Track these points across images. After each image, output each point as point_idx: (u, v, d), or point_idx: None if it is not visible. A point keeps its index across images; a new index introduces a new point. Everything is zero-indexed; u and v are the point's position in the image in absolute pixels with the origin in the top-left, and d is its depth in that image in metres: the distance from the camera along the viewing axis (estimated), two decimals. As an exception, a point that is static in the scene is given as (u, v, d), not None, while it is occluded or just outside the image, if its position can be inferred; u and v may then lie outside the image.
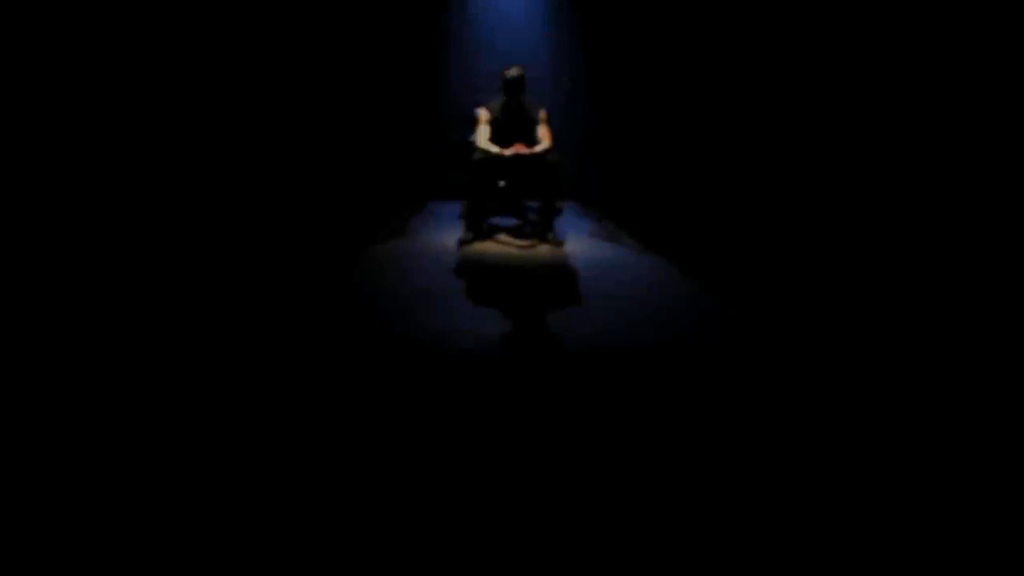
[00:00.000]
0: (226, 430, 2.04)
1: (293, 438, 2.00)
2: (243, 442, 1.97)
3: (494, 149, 4.80)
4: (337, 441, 1.99)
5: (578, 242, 5.10)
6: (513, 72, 4.85)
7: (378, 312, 3.24)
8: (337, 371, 2.50)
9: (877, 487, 1.80)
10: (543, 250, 4.77)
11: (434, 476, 1.84)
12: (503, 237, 5.16)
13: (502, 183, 5.04)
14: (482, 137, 4.93)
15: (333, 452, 1.93)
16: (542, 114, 5.04)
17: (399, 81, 6.25)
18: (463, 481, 1.82)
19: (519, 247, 4.83)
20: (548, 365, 2.62)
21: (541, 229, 5.03)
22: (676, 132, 4.47)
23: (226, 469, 1.83)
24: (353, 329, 2.96)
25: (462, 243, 4.85)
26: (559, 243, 4.87)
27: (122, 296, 2.27)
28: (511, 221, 5.71)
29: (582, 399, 2.31)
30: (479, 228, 5.03)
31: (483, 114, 5.02)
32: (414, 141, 6.98)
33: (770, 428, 2.10)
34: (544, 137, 4.96)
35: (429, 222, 5.96)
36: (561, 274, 4.09)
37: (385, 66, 5.75)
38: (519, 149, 4.73)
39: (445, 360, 2.62)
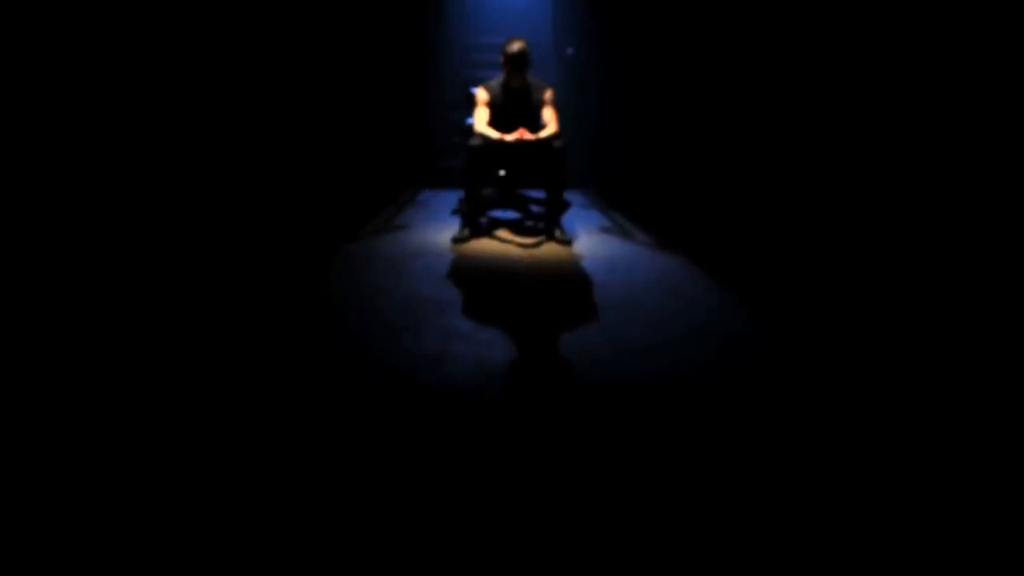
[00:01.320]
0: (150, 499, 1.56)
1: (235, 509, 1.52)
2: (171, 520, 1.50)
3: (493, 134, 4.30)
4: (295, 514, 1.51)
5: (588, 239, 4.62)
6: (515, 47, 4.34)
7: (354, 331, 2.75)
8: (296, 416, 2.02)
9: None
10: (550, 250, 4.29)
11: (421, 562, 1.36)
12: (504, 233, 4.67)
13: (502, 172, 4.55)
14: (480, 120, 4.44)
15: (289, 529, 1.45)
16: (548, 94, 4.54)
17: (386, 56, 5.74)
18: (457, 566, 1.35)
19: (522, 246, 4.34)
20: (563, 402, 2.14)
21: (547, 225, 4.54)
22: (693, 114, 3.98)
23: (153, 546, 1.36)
24: (321, 356, 2.48)
25: (456, 241, 4.36)
26: (567, 241, 4.39)
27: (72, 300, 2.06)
28: (512, 214, 5.22)
29: (605, 454, 1.83)
30: (476, 223, 4.54)
31: (481, 95, 4.52)
32: (403, 124, 6.47)
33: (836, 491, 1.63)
34: (550, 121, 4.46)
35: (420, 215, 5.47)
36: (572, 280, 3.61)
37: (370, 38, 5.24)
38: (522, 134, 4.24)
39: (434, 399, 2.15)
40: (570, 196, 4.56)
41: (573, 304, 3.15)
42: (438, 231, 4.74)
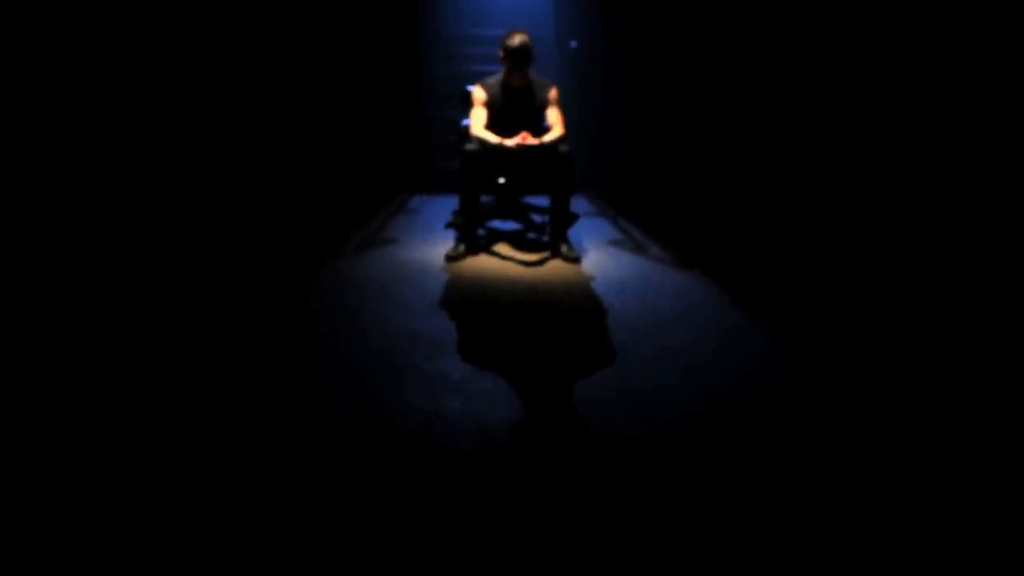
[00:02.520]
0: None
1: None
2: None
3: (492, 138, 3.91)
4: None
5: (597, 255, 4.23)
6: (516, 40, 3.95)
7: (328, 381, 2.37)
8: (253, 499, 1.63)
9: None
10: (555, 268, 3.90)
11: None
12: (503, 248, 4.29)
13: (502, 180, 4.16)
14: (477, 122, 4.05)
15: None
16: (552, 93, 4.16)
17: (373, 48, 5.34)
18: None
19: (524, 263, 3.95)
20: (573, 476, 1.76)
21: (552, 239, 4.15)
22: (711, 110, 3.60)
23: None
24: (287, 415, 2.09)
25: (451, 259, 3.98)
26: (575, 258, 4.00)
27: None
28: (513, 225, 4.83)
29: (626, 541, 1.45)
30: (473, 238, 4.15)
31: (478, 93, 4.13)
32: (393, 122, 6.07)
33: None
34: (555, 122, 4.08)
35: (411, 225, 5.08)
36: (582, 307, 3.23)
37: (355, 28, 4.84)
38: (524, 138, 3.85)
39: (425, 476, 1.76)
40: (573, 201, 4.16)
41: (584, 340, 2.77)
42: (431, 246, 4.35)
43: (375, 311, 3.04)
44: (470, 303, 3.23)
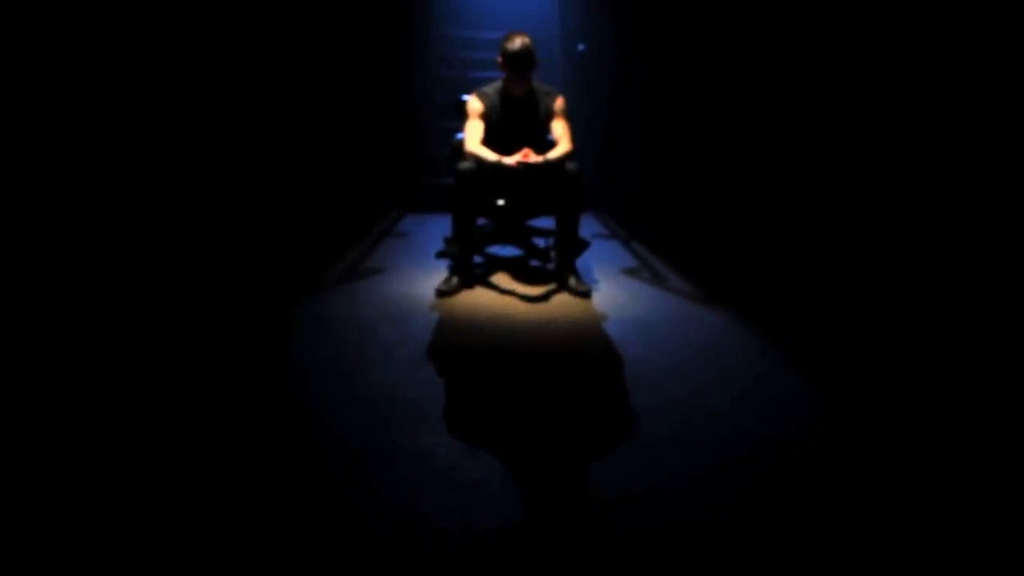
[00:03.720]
0: None
1: None
2: None
3: (489, 156, 3.52)
4: None
5: (610, 287, 3.84)
6: (517, 43, 3.57)
7: (291, 463, 1.97)
8: None
9: None
10: (563, 304, 3.51)
11: None
12: (502, 280, 3.90)
13: (501, 202, 3.77)
14: (472, 137, 3.66)
15: None
16: (558, 103, 3.77)
17: (360, 51, 4.97)
18: None
19: (526, 298, 3.56)
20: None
21: (559, 269, 3.76)
22: (735, 122, 3.21)
23: None
24: (223, 526, 1.70)
25: (442, 294, 3.58)
26: (585, 292, 3.61)
27: None
28: (513, 250, 4.44)
29: None
30: (467, 269, 3.75)
31: (474, 104, 3.74)
32: (381, 133, 5.69)
33: None
34: (562, 136, 3.69)
35: (400, 252, 4.69)
36: (595, 356, 2.84)
37: (341, 30, 4.47)
38: (526, 155, 3.46)
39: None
40: (580, 222, 3.76)
41: (597, 402, 2.37)
42: (422, 276, 3.96)
43: (351, 366, 2.64)
44: (462, 351, 2.84)
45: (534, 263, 4.27)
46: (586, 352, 2.86)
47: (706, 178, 3.84)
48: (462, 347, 2.88)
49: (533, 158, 3.45)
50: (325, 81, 4.30)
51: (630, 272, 4.17)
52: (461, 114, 3.91)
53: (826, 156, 2.67)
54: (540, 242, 4.36)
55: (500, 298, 3.58)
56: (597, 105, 6.39)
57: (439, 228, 5.12)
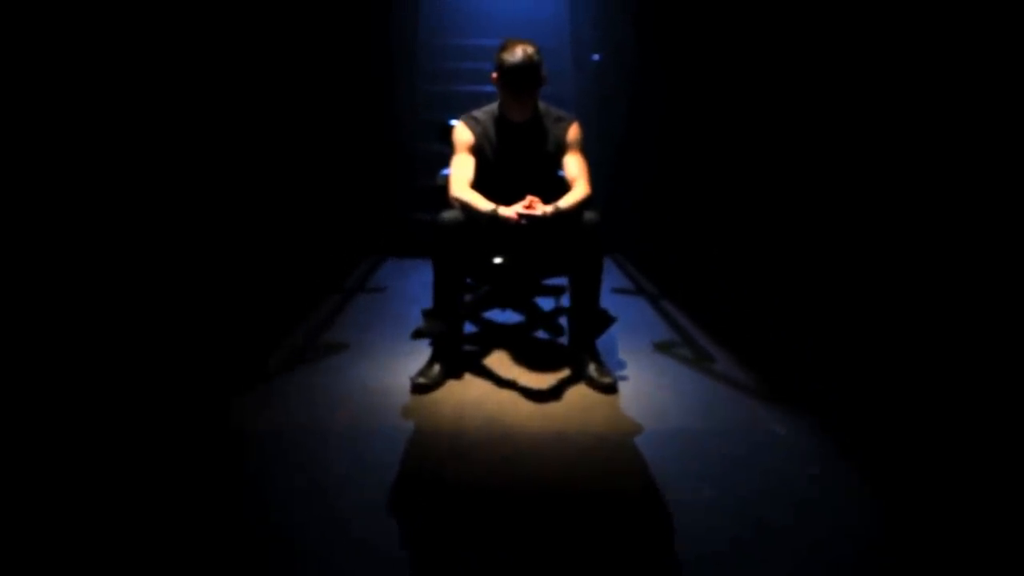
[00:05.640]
0: None
1: None
2: None
3: (481, 204, 2.79)
4: None
5: (641, 372, 3.09)
6: (518, 55, 2.82)
7: None
8: None
9: None
10: (580, 404, 2.77)
11: None
12: (498, 363, 3.16)
13: (499, 260, 3.02)
14: (459, 177, 2.93)
15: None
16: (572, 132, 3.04)
17: (329, 67, 4.26)
18: None
19: (530, 395, 2.82)
20: None
21: (574, 350, 3.01)
22: (794, 148, 2.47)
23: None
24: None
25: (419, 388, 2.83)
26: (609, 384, 2.85)
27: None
28: (512, 314, 3.68)
29: None
30: (453, 352, 3.00)
31: (461, 134, 3.01)
32: (357, 160, 4.96)
33: None
34: (577, 176, 2.97)
35: (372, 314, 3.96)
36: (628, 495, 2.11)
37: (307, 36, 3.76)
38: (532, 205, 2.71)
39: None
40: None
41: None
42: (396, 356, 3.22)
43: (280, 528, 1.88)
44: (438, 492, 2.11)
45: (540, 335, 3.52)
46: (615, 491, 2.12)
47: (759, 221, 3.10)
48: (439, 484, 2.14)
49: (539, 208, 2.71)
50: (294, 105, 3.59)
51: (664, 348, 3.42)
52: (446, 143, 3.16)
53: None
54: (547, 303, 3.61)
55: (496, 392, 2.84)
56: (613, 124, 5.68)
57: (425, 278, 4.34)
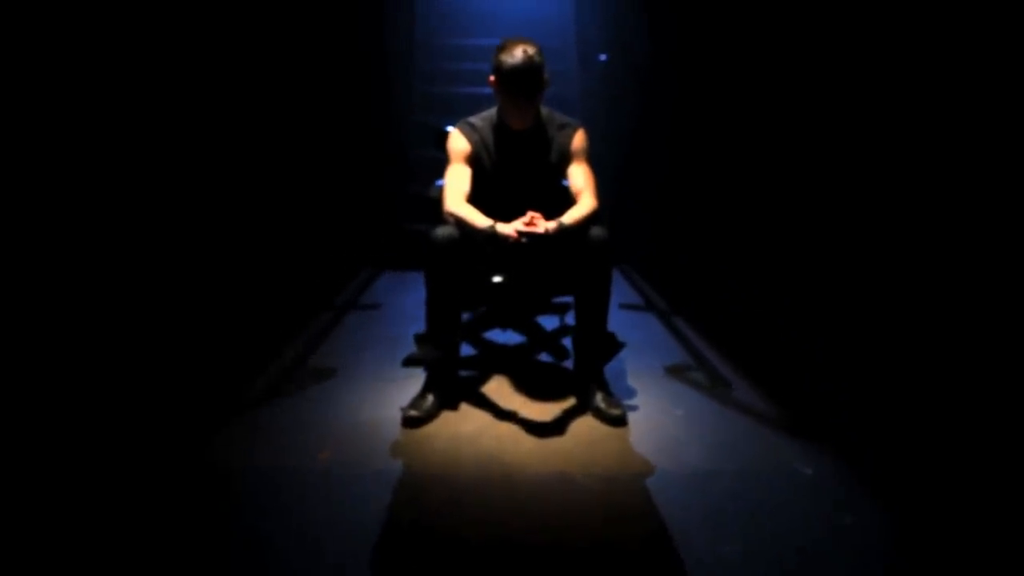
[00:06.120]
0: None
1: None
2: None
3: (478, 220, 2.60)
4: None
5: (652, 401, 2.90)
6: (518, 56, 2.62)
7: None
8: None
9: None
10: (587, 437, 2.58)
11: None
12: (496, 392, 2.97)
13: (498, 279, 2.83)
14: (454, 190, 2.73)
15: None
16: (577, 140, 2.85)
17: (320, 69, 4.07)
18: None
19: (531, 428, 2.63)
20: None
21: (580, 378, 2.82)
22: (810, 158, 2.28)
23: None
24: None
25: (411, 421, 2.63)
26: (618, 415, 2.66)
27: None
28: (512, 334, 3.49)
29: None
30: (448, 381, 2.81)
31: (457, 142, 2.82)
32: (349, 165, 4.78)
33: None
34: (583, 188, 2.78)
35: (364, 335, 3.77)
36: (640, 550, 1.91)
37: (295, 35, 3.57)
38: (534, 222, 2.52)
39: None
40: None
41: None
42: (387, 382, 3.04)
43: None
44: (430, 541, 1.91)
45: (543, 357, 3.33)
46: (624, 543, 1.93)
47: (780, 230, 2.90)
48: (430, 536, 1.95)
49: (542, 225, 2.51)
50: (281, 109, 3.41)
51: (677, 372, 3.22)
52: (441, 151, 2.97)
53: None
54: (549, 322, 3.41)
55: (494, 425, 2.65)
56: (621, 125, 5.49)
57: (423, 293, 4.16)
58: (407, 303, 4.22)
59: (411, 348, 2.83)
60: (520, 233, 2.49)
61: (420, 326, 2.81)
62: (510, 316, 3.25)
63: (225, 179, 3.02)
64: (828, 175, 2.59)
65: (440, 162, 2.92)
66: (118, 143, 2.32)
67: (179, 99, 2.65)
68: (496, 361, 3.29)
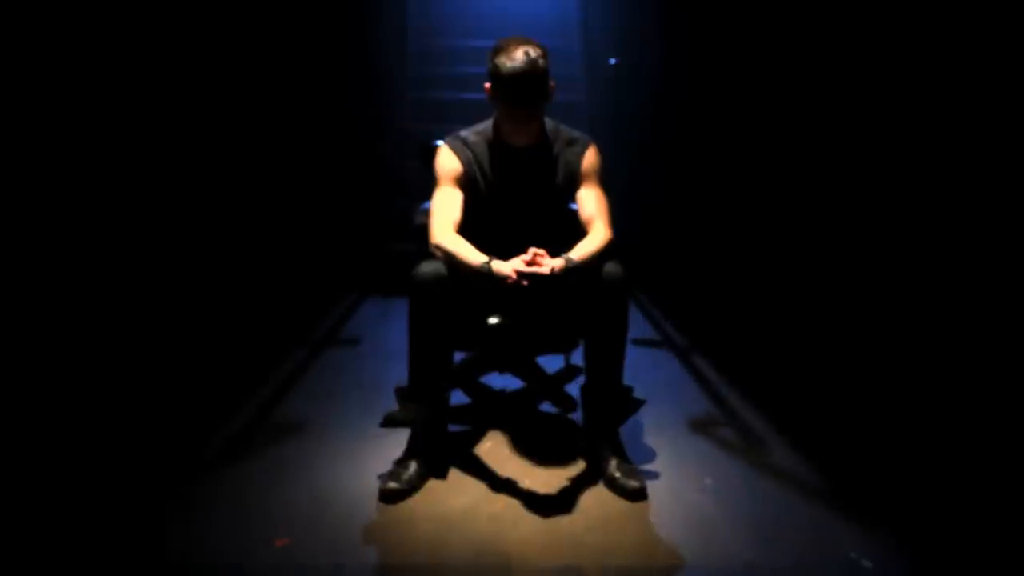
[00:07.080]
0: None
1: None
2: None
3: (471, 256, 2.24)
4: None
5: (676, 466, 2.55)
6: (519, 58, 2.27)
7: None
8: None
9: None
10: (599, 518, 2.23)
11: None
12: (495, 447, 2.62)
13: (494, 320, 2.46)
14: (443, 219, 2.38)
15: None
16: (588, 159, 2.50)
17: (300, 74, 3.75)
18: None
19: (535, 506, 2.27)
20: None
21: (591, 441, 2.46)
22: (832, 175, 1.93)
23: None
24: None
25: (389, 495, 2.27)
26: (636, 488, 2.29)
27: None
28: (509, 378, 3.12)
29: None
30: (433, 442, 2.45)
31: (446, 161, 2.47)
32: (332, 180, 4.45)
33: None
34: (594, 215, 2.44)
35: (341, 378, 3.41)
36: None
37: (271, 38, 3.25)
38: (535, 260, 2.16)
39: None
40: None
41: None
42: (363, 440, 2.68)
43: None
44: None
45: (547, 408, 2.97)
46: None
47: (817, 254, 2.56)
48: None
49: (547, 264, 2.15)
50: (257, 118, 3.08)
51: (703, 427, 2.86)
52: (428, 169, 2.61)
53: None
54: (550, 371, 3.06)
55: (489, 500, 2.29)
56: (632, 135, 5.19)
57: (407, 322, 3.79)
58: (391, 336, 3.86)
59: (391, 395, 2.47)
60: (520, 274, 2.13)
61: (403, 368, 2.43)
62: (507, 361, 2.89)
63: (185, 192, 2.68)
64: (871, 190, 2.26)
65: (430, 177, 2.57)
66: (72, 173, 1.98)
67: (141, 105, 2.32)
68: (492, 412, 2.94)
